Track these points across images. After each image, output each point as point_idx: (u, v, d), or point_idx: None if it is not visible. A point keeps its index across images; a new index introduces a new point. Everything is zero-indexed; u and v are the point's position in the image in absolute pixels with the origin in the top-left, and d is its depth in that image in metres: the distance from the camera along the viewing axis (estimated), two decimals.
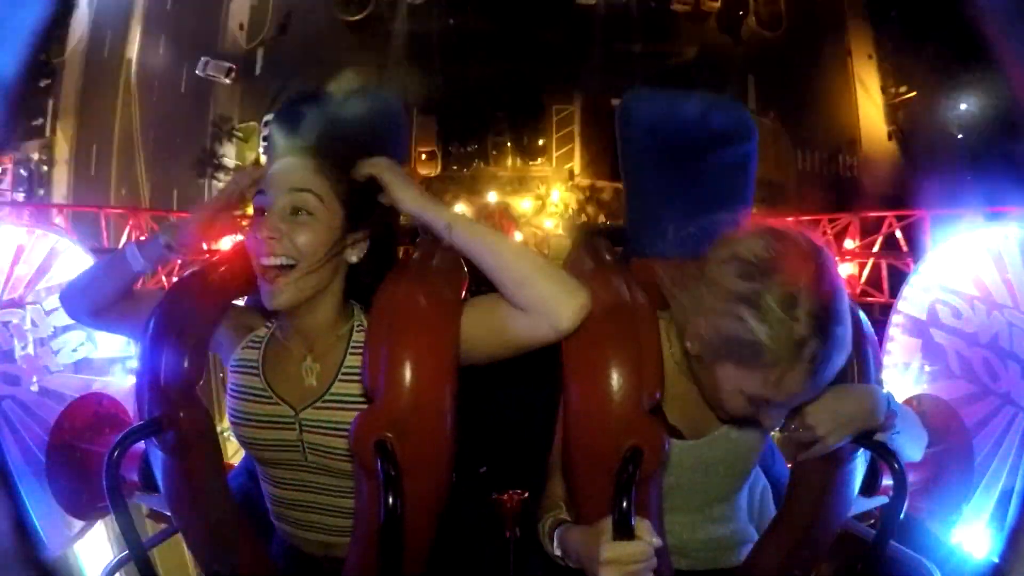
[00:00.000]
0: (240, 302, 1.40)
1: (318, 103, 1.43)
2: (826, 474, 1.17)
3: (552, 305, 1.06)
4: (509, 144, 12.32)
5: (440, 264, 1.26)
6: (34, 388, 1.65)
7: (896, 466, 1.11)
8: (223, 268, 1.28)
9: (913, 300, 1.63)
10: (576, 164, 12.62)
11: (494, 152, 12.53)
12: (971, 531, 1.45)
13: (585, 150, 12.74)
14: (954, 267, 1.55)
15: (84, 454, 1.57)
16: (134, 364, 1.48)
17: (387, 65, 12.52)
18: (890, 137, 13.05)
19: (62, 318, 1.67)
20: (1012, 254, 1.46)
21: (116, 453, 1.08)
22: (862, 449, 1.16)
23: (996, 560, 1.27)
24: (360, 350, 1.19)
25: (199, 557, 1.25)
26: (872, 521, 1.43)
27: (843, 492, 1.19)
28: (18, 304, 1.62)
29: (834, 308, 0.97)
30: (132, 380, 1.48)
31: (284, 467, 1.25)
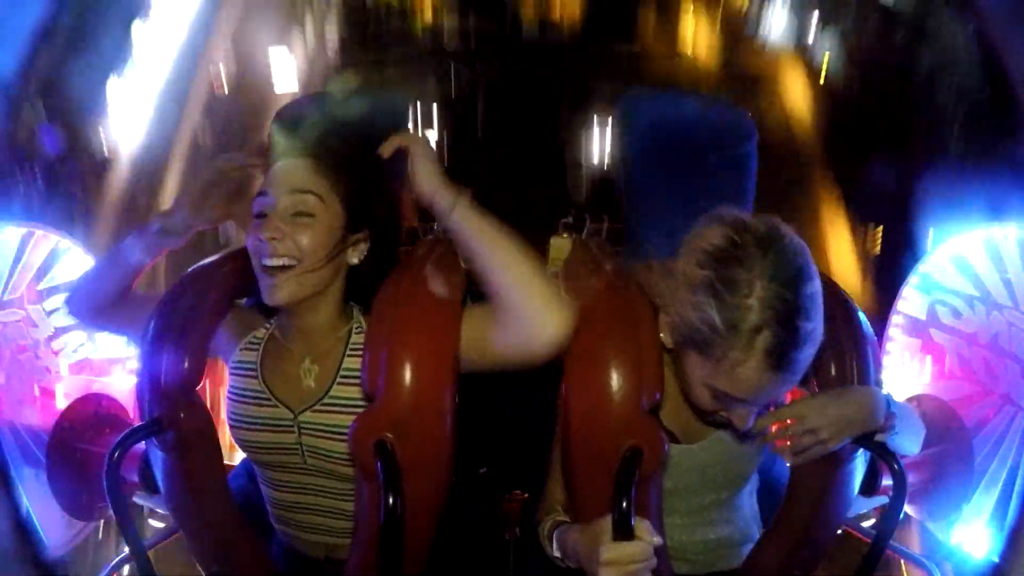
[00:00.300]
0: (240, 303, 1.40)
1: (320, 104, 1.43)
2: (826, 474, 1.17)
3: (540, 315, 1.02)
4: None
5: (440, 264, 1.26)
6: (34, 389, 1.66)
7: (896, 466, 1.11)
8: (223, 268, 1.28)
9: (913, 300, 1.63)
10: None
11: None
12: (971, 531, 1.44)
13: None
14: (954, 267, 1.56)
15: (84, 454, 1.56)
16: (135, 365, 1.47)
17: None
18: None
19: (62, 318, 1.67)
20: (1012, 254, 1.46)
21: (116, 453, 1.08)
22: (862, 449, 1.16)
23: (996, 560, 1.27)
24: (359, 352, 1.19)
25: (199, 557, 1.25)
26: (872, 521, 1.43)
27: (843, 492, 1.19)
28: (18, 304, 1.62)
29: (796, 300, 0.94)
30: (133, 381, 1.48)
31: (283, 470, 1.25)
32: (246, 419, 1.23)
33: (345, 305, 1.25)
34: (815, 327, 0.97)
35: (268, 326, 1.29)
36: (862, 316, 1.21)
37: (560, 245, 1.64)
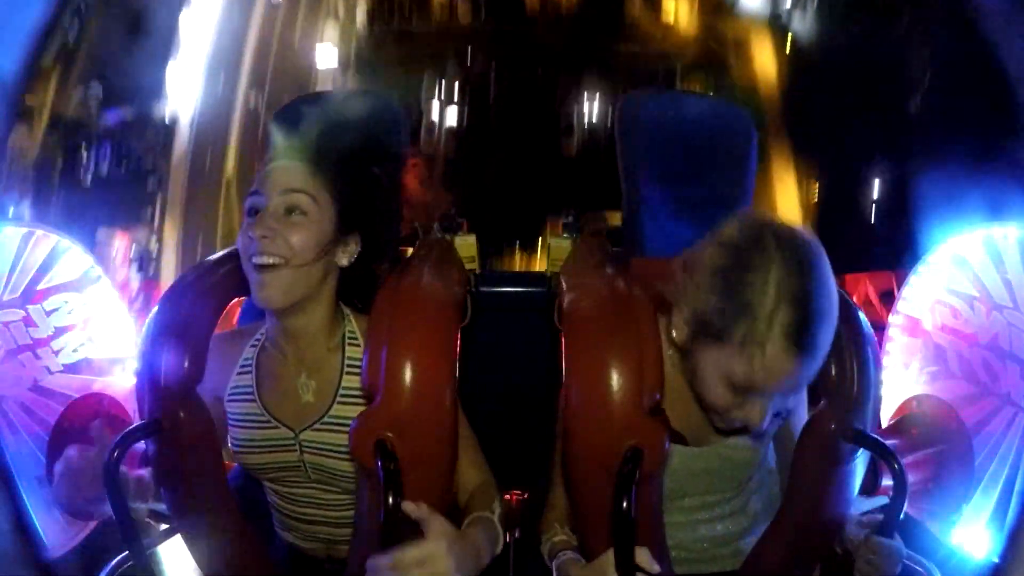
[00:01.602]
0: (236, 302, 1.40)
1: (315, 105, 1.43)
2: (826, 474, 1.17)
3: None
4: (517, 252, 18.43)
5: (441, 264, 1.26)
6: (34, 389, 1.65)
7: (896, 466, 1.11)
8: (223, 268, 1.28)
9: (913, 300, 1.62)
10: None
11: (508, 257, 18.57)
12: (971, 531, 1.44)
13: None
14: (954, 267, 1.55)
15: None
16: (135, 364, 1.47)
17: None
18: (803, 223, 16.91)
19: (62, 318, 1.67)
20: (1012, 254, 1.46)
21: (116, 453, 1.08)
22: (862, 449, 1.16)
23: (996, 560, 1.27)
24: (356, 370, 1.19)
25: (199, 557, 1.25)
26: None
27: (843, 492, 1.19)
28: (18, 304, 1.62)
29: (811, 281, 0.98)
30: (132, 381, 1.48)
31: (289, 485, 1.26)
32: (249, 443, 1.23)
33: (336, 307, 1.25)
34: (831, 307, 0.99)
35: (256, 342, 1.28)
36: (862, 316, 1.21)
37: (560, 245, 1.64)
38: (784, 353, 0.97)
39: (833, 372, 1.15)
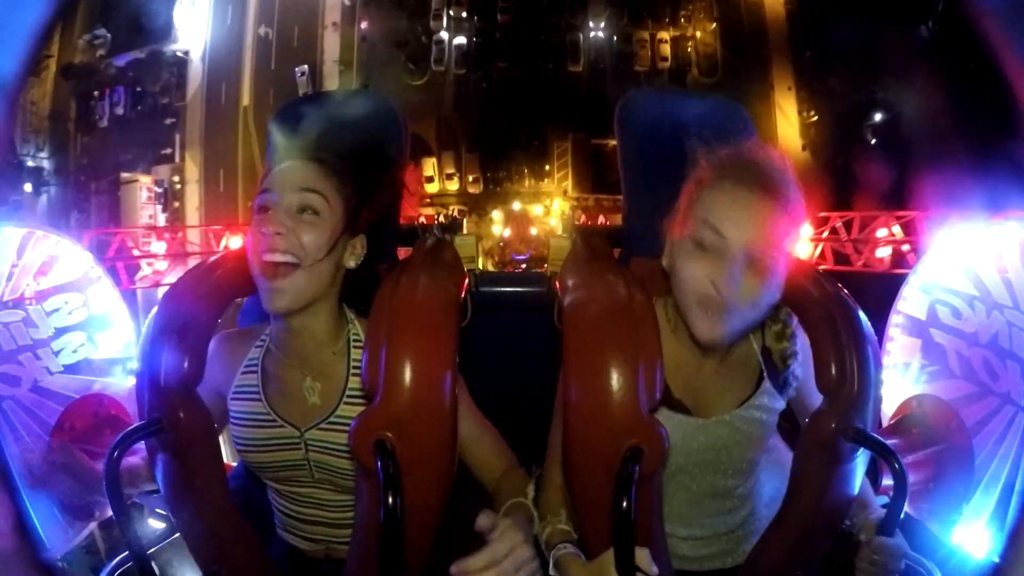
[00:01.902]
0: (238, 302, 1.40)
1: (318, 107, 1.43)
2: (826, 474, 1.17)
3: None
4: (526, 170, 19.14)
5: (440, 264, 1.26)
6: (34, 389, 1.65)
7: (897, 465, 1.11)
8: (223, 268, 1.28)
9: (912, 300, 1.62)
10: (569, 183, 19.05)
11: (516, 175, 19.26)
12: (971, 531, 1.44)
13: (575, 173, 18.91)
14: (954, 267, 1.55)
15: (84, 455, 1.56)
16: (135, 365, 1.47)
17: (442, 114, 18.83)
18: (804, 149, 17.64)
19: (62, 319, 1.67)
20: (1012, 254, 1.45)
21: (116, 453, 1.08)
22: (862, 449, 1.16)
23: (996, 560, 1.27)
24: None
25: (199, 557, 1.25)
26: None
27: (843, 492, 1.19)
28: (19, 305, 1.62)
29: (758, 162, 1.14)
30: (132, 381, 1.48)
31: (293, 483, 1.26)
32: (254, 442, 1.23)
33: (340, 310, 1.25)
34: (781, 176, 1.13)
35: (261, 343, 1.29)
36: (862, 316, 1.21)
37: (560, 245, 1.64)
38: (740, 186, 1.11)
39: (833, 372, 1.14)
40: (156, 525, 1.51)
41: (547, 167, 19.27)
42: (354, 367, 1.23)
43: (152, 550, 1.24)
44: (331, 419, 1.21)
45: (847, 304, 1.20)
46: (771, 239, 1.10)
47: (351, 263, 1.22)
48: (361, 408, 1.17)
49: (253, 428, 1.24)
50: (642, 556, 0.96)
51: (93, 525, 1.56)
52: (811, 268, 1.26)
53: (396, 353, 1.07)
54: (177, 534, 1.27)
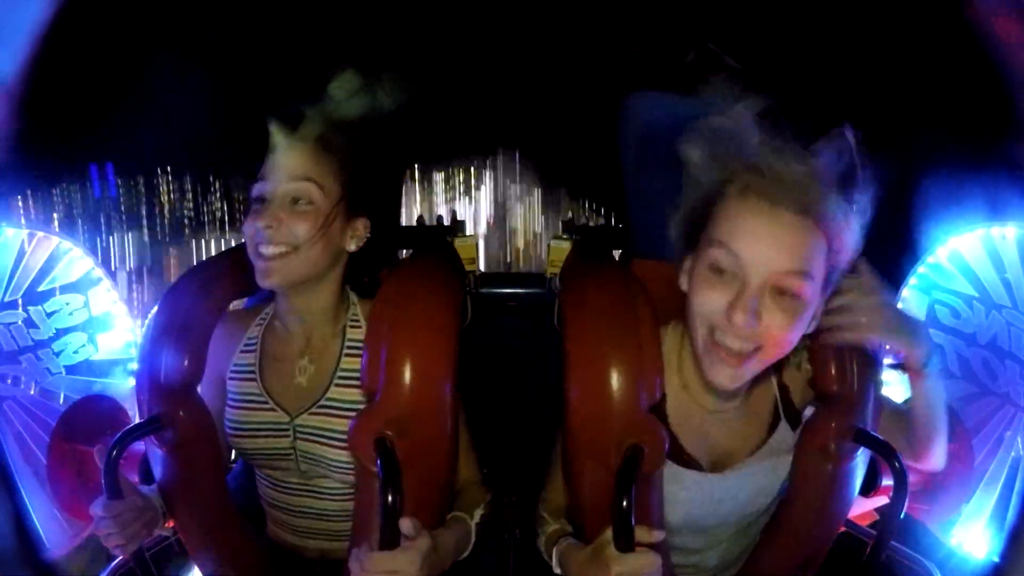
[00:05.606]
0: (240, 304, 1.40)
1: (317, 92, 1.43)
2: (826, 474, 1.17)
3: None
4: None
5: (440, 264, 1.26)
6: (34, 390, 1.65)
7: (897, 465, 1.11)
8: (223, 268, 1.28)
9: (912, 300, 1.63)
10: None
11: None
12: (971, 531, 1.44)
13: None
14: (954, 267, 1.55)
15: (84, 455, 1.56)
16: (135, 366, 1.47)
17: None
18: None
19: (63, 320, 1.67)
20: (1011, 254, 1.46)
21: (115, 451, 1.08)
22: (862, 449, 1.16)
23: (996, 560, 1.27)
24: (356, 352, 1.19)
25: (198, 556, 1.25)
26: (872, 521, 1.43)
27: (843, 492, 1.19)
28: (19, 306, 1.62)
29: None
30: (133, 382, 1.48)
31: (282, 472, 1.25)
32: (244, 425, 1.23)
33: (342, 291, 1.25)
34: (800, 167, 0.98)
35: (262, 320, 1.28)
36: None
37: (560, 247, 1.64)
38: (745, 203, 0.99)
39: (833, 372, 1.14)
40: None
41: None
42: (348, 347, 1.22)
43: (152, 550, 1.24)
44: (322, 402, 1.20)
45: None
46: (803, 268, 0.97)
47: (352, 246, 1.21)
48: (352, 391, 1.17)
49: (245, 411, 1.23)
50: (642, 531, 0.95)
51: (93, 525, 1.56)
52: None
53: (396, 353, 1.07)
54: (177, 534, 1.27)
